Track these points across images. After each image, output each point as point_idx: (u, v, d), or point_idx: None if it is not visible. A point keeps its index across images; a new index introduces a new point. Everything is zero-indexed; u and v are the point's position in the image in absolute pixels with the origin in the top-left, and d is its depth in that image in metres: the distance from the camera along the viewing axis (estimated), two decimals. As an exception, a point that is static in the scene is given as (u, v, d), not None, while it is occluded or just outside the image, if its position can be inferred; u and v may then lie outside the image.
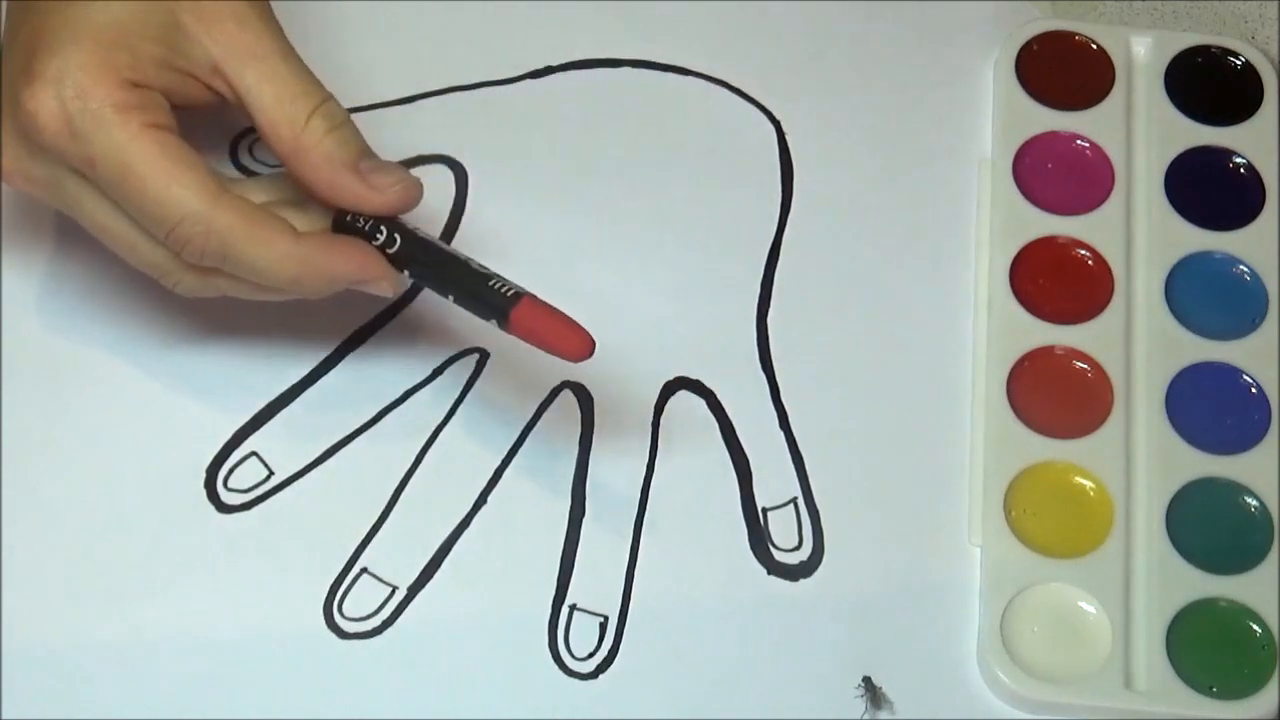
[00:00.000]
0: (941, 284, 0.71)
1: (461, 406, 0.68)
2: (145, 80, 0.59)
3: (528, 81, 0.74)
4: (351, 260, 0.61)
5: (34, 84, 0.58)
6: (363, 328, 0.69)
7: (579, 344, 0.59)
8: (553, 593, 0.65)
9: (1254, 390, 0.68)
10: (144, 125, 0.58)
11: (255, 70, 0.60)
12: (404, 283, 0.62)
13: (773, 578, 0.65)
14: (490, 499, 0.66)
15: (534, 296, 0.60)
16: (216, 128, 0.72)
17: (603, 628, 0.64)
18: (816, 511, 0.66)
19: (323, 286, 0.61)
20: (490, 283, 0.60)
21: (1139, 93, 0.74)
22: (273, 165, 0.71)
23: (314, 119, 0.60)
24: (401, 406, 0.67)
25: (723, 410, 0.68)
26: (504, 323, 0.60)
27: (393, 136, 0.71)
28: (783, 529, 0.66)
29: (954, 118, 0.74)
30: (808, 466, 0.67)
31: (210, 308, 0.68)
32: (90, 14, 0.59)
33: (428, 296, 0.69)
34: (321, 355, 0.68)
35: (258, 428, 0.67)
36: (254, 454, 0.66)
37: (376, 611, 0.64)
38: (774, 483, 0.67)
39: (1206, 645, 0.64)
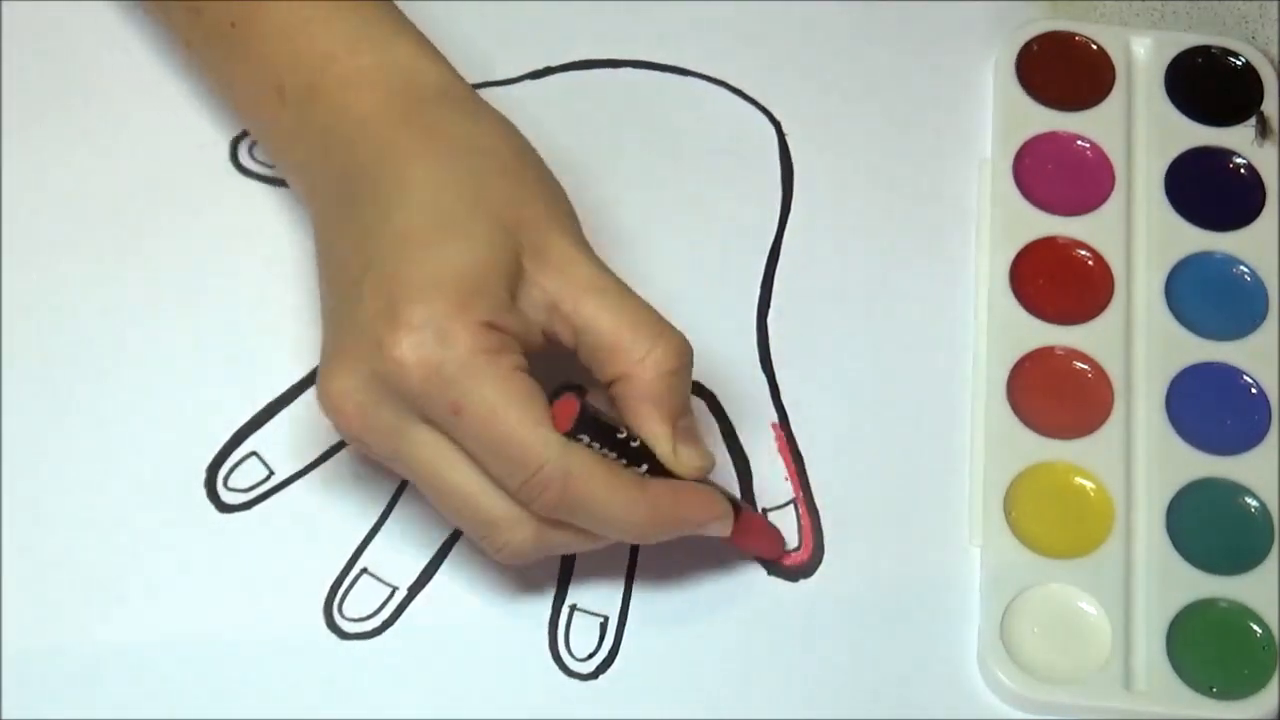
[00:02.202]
0: (941, 284, 0.71)
1: (462, 407, 0.67)
2: (501, 324, 0.58)
3: (527, 82, 0.74)
4: (697, 504, 0.61)
5: (399, 331, 0.57)
6: (363, 328, 0.69)
7: (778, 548, 0.65)
8: (553, 593, 0.65)
9: (1254, 390, 0.68)
10: (512, 369, 0.58)
11: (594, 302, 0.59)
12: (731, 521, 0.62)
13: (773, 578, 0.65)
14: (491, 499, 0.66)
15: (747, 508, 0.64)
16: (217, 128, 0.72)
17: (603, 628, 0.64)
18: (816, 511, 0.66)
19: (668, 533, 0.61)
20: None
21: (1139, 93, 0.74)
22: (272, 165, 0.71)
23: (655, 353, 0.59)
24: (402, 407, 0.67)
25: (723, 411, 0.68)
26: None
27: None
28: (782, 529, 0.66)
29: (954, 118, 0.74)
30: (808, 466, 0.67)
31: (211, 307, 0.68)
32: (450, 259, 0.58)
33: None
34: (322, 355, 0.68)
35: (258, 427, 0.67)
36: (254, 453, 0.66)
37: (376, 612, 0.64)
38: (774, 483, 0.67)
39: (1206, 645, 0.64)
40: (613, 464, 0.59)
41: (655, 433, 0.60)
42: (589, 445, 0.58)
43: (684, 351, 0.60)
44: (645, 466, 0.60)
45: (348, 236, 0.61)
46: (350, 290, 0.59)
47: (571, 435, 0.58)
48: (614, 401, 0.60)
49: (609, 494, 0.58)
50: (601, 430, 0.59)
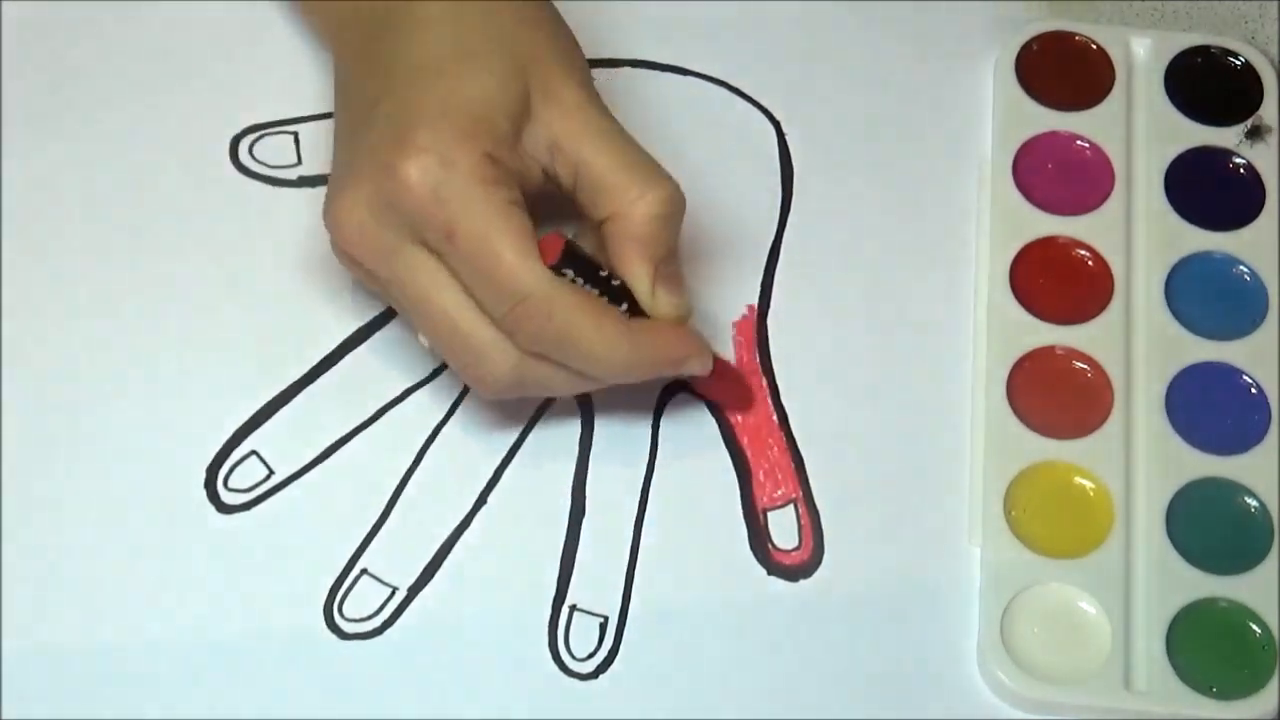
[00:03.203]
0: (941, 284, 0.71)
1: (461, 406, 0.68)
2: (502, 158, 0.60)
3: (528, 81, 0.74)
4: (675, 341, 0.63)
5: (406, 152, 0.59)
6: (363, 327, 0.69)
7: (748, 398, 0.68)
8: (553, 593, 0.65)
9: (1254, 390, 0.68)
10: (507, 200, 0.60)
11: (596, 143, 0.62)
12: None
13: (773, 578, 0.65)
14: (490, 499, 0.66)
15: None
16: (217, 128, 0.72)
17: (603, 628, 0.64)
18: (816, 511, 0.66)
19: (647, 371, 0.63)
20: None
21: (1139, 93, 0.74)
22: (273, 165, 0.71)
23: (648, 196, 0.61)
24: (401, 406, 0.67)
25: (722, 411, 0.68)
26: None
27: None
28: (783, 529, 0.66)
29: (954, 118, 0.74)
30: (808, 466, 0.67)
31: (211, 306, 0.68)
32: (461, 89, 0.61)
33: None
34: (322, 354, 0.68)
35: (258, 426, 0.67)
36: (254, 453, 0.66)
37: (376, 612, 0.64)
38: (774, 483, 0.67)
39: (1206, 645, 0.64)
40: (597, 300, 0.61)
41: (637, 273, 0.62)
42: (572, 279, 0.60)
43: (676, 198, 0.62)
44: (625, 306, 0.62)
45: (367, 69, 0.63)
46: (365, 118, 0.62)
47: (557, 270, 0.60)
48: (604, 241, 0.62)
49: (592, 328, 0.60)
50: (585, 267, 0.61)
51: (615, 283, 0.62)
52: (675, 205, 0.62)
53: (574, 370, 0.62)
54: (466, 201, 0.59)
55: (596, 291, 0.61)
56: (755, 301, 0.69)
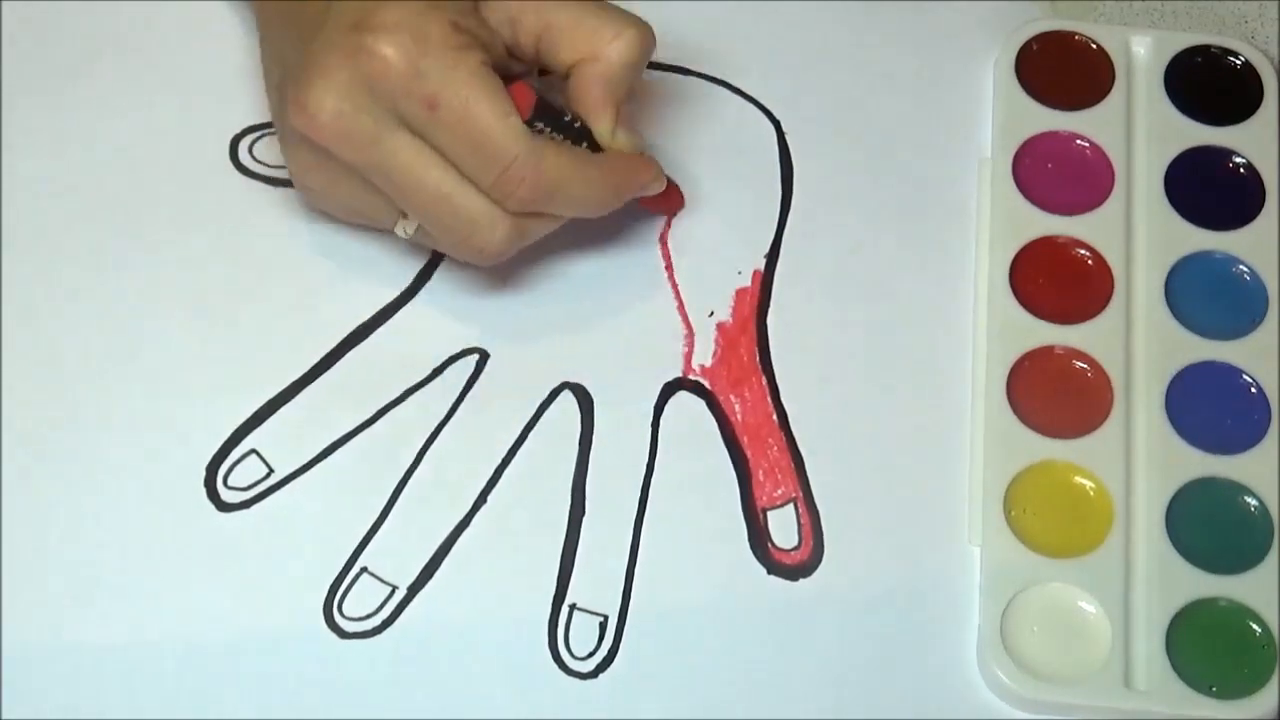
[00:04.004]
0: (941, 284, 0.71)
1: (461, 406, 0.68)
2: (466, 25, 0.61)
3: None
4: (641, 170, 0.66)
5: (377, 31, 0.60)
6: (362, 326, 0.69)
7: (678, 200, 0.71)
8: (553, 593, 0.65)
9: (1254, 390, 0.68)
10: (480, 63, 0.61)
11: (557, 5, 0.63)
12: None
13: (773, 578, 0.65)
14: (490, 499, 0.66)
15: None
16: (217, 128, 0.72)
17: (603, 628, 0.64)
18: (816, 511, 0.66)
19: (620, 202, 0.65)
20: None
21: (1139, 93, 0.74)
22: (273, 164, 0.71)
23: (624, 37, 0.63)
24: (401, 406, 0.67)
25: (722, 411, 0.68)
26: None
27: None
28: (783, 529, 0.66)
29: (954, 118, 0.74)
30: (808, 466, 0.67)
31: (210, 306, 0.68)
32: None
33: (427, 296, 0.69)
34: (321, 353, 0.68)
35: (258, 425, 0.67)
36: (254, 451, 0.66)
37: (376, 611, 0.64)
38: (774, 483, 0.67)
39: (1206, 645, 0.64)
40: (574, 149, 0.63)
41: (601, 116, 0.64)
42: (543, 130, 0.62)
43: (647, 40, 0.64)
44: (585, 144, 0.64)
45: None
46: (316, 17, 0.62)
47: (530, 124, 0.61)
48: (571, 85, 0.64)
49: (574, 176, 0.62)
50: (553, 114, 0.63)
51: (577, 125, 0.64)
52: (646, 47, 0.64)
53: (560, 215, 0.64)
54: (445, 71, 0.60)
55: (561, 136, 0.63)
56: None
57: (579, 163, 0.63)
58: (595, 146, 0.65)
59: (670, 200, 0.70)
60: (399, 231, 0.65)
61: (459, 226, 0.63)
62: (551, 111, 0.63)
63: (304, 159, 0.64)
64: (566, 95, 0.64)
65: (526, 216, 0.63)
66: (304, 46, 0.62)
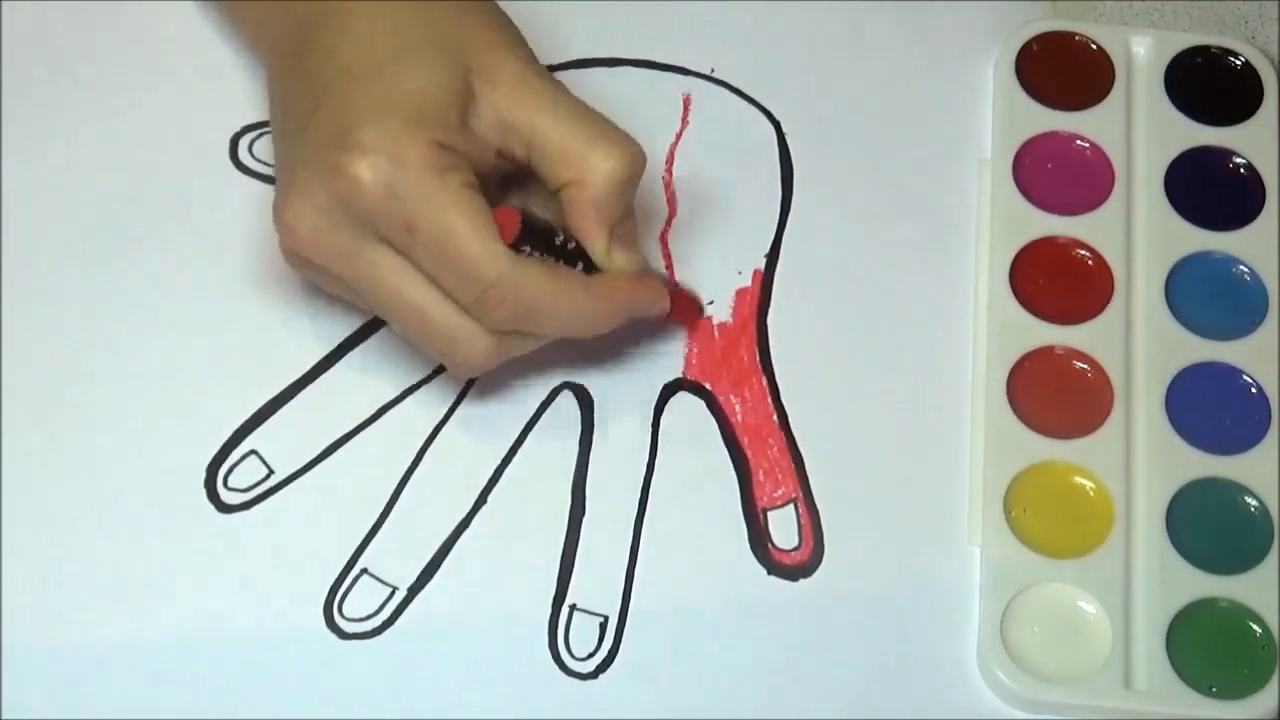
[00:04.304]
0: (941, 284, 0.71)
1: (461, 406, 0.68)
2: (452, 143, 0.60)
3: (528, 81, 0.74)
4: (635, 292, 0.64)
5: (353, 153, 0.59)
6: (363, 327, 0.69)
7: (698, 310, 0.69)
8: (553, 593, 0.65)
9: (1254, 390, 0.68)
10: (461, 185, 0.60)
11: (547, 115, 0.62)
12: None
13: (773, 578, 0.65)
14: (490, 499, 0.66)
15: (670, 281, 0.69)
16: (217, 127, 0.72)
17: (603, 628, 0.64)
18: (816, 511, 0.66)
19: (613, 324, 0.64)
20: None
21: (1139, 93, 0.74)
22: (272, 164, 0.71)
23: (608, 161, 0.62)
24: (401, 406, 0.67)
25: (722, 411, 0.68)
26: None
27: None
28: (783, 529, 0.66)
29: (954, 118, 0.74)
30: (808, 466, 0.67)
31: (210, 306, 0.68)
32: (398, 84, 0.61)
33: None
34: (322, 353, 0.68)
35: (257, 426, 0.67)
36: (254, 452, 0.66)
37: (376, 612, 0.64)
38: (774, 483, 0.67)
39: (1206, 645, 0.64)
40: (557, 268, 0.62)
41: (595, 236, 0.63)
42: (530, 253, 0.61)
43: (637, 161, 0.63)
44: (580, 265, 0.63)
45: (298, 79, 0.63)
46: (302, 127, 0.62)
47: (516, 246, 0.60)
48: (562, 205, 0.63)
49: (557, 299, 0.61)
50: (541, 236, 0.62)
51: (570, 246, 0.63)
52: (635, 169, 0.63)
53: (545, 335, 0.63)
54: (422, 194, 0.59)
55: (553, 257, 0.62)
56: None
57: (564, 285, 0.62)
58: (593, 264, 0.63)
59: (685, 312, 0.69)
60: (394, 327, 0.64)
61: (438, 341, 0.62)
62: (538, 234, 0.62)
63: (291, 259, 0.63)
64: (558, 213, 0.63)
65: (509, 335, 0.62)
66: (291, 148, 0.62)
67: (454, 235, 0.59)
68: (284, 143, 0.64)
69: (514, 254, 0.60)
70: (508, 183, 0.65)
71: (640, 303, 0.65)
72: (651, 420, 0.68)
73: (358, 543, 0.65)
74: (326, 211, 0.60)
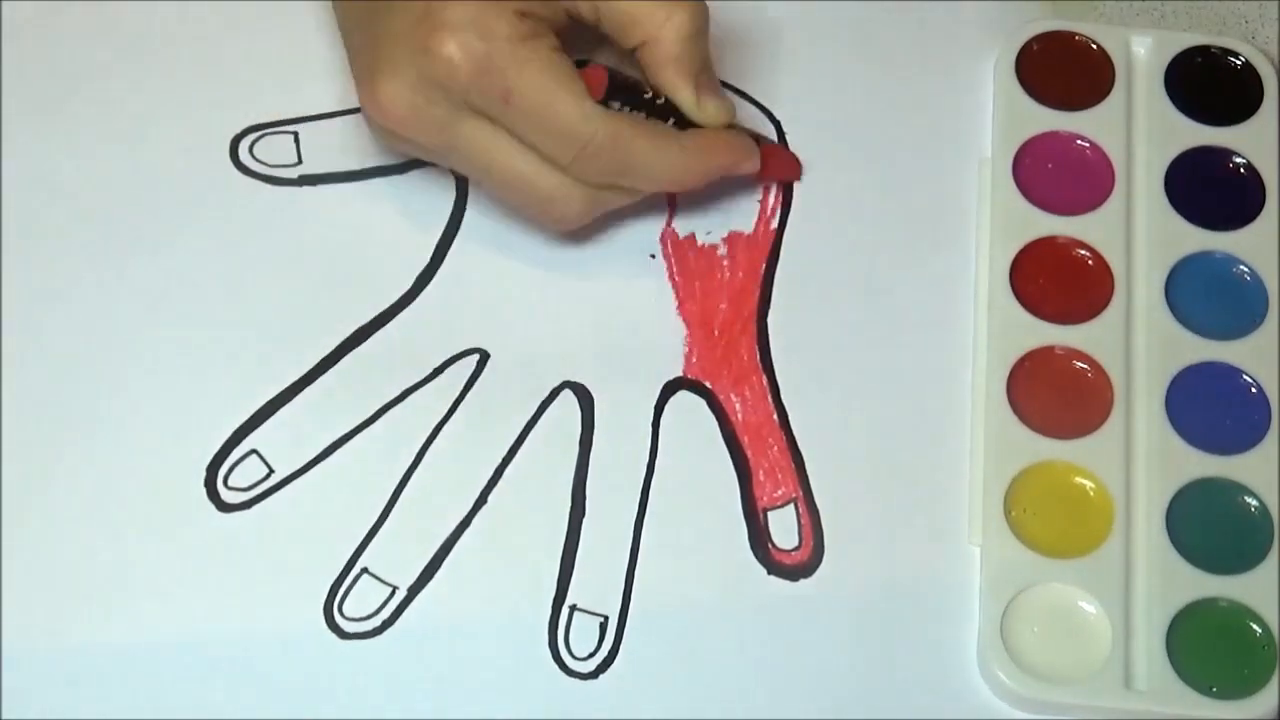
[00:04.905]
0: (941, 284, 0.71)
1: (461, 406, 0.68)
2: (531, 11, 0.62)
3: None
4: (728, 148, 0.67)
5: (441, 32, 0.61)
6: (363, 327, 0.69)
7: (797, 169, 0.72)
8: (553, 593, 0.65)
9: (1254, 390, 0.68)
10: (549, 49, 0.62)
11: None
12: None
13: (773, 578, 0.65)
14: (490, 499, 0.66)
15: (765, 139, 0.71)
16: (217, 128, 0.72)
17: (603, 628, 0.64)
18: (816, 511, 0.66)
19: (705, 179, 0.67)
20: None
21: (1139, 93, 0.74)
22: (273, 164, 0.71)
23: (674, 19, 0.64)
24: (401, 406, 0.67)
25: (723, 410, 0.68)
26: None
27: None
28: (783, 529, 0.66)
29: (954, 118, 0.74)
30: (808, 466, 0.67)
31: (210, 306, 0.68)
32: None
33: (428, 297, 0.69)
34: (322, 353, 0.68)
35: (258, 425, 0.67)
36: (254, 452, 0.66)
37: (376, 611, 0.64)
38: (774, 482, 0.67)
39: (1206, 645, 0.64)
40: (650, 123, 0.65)
41: (680, 89, 0.65)
42: (621, 109, 0.64)
43: (700, 15, 0.65)
44: (672, 120, 0.65)
45: None
46: (382, 8, 0.63)
47: (604, 102, 0.63)
48: (640, 67, 0.65)
49: (652, 152, 0.64)
50: (630, 92, 0.64)
51: (660, 101, 0.65)
52: (701, 21, 0.65)
53: (640, 189, 0.66)
54: (514, 64, 0.61)
55: (644, 113, 0.64)
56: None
57: (655, 138, 0.64)
58: (684, 119, 0.66)
59: (784, 167, 0.71)
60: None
61: (536, 201, 0.65)
62: (627, 88, 0.64)
63: (382, 135, 0.66)
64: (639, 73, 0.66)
65: (605, 188, 0.65)
66: (371, 28, 0.64)
67: (549, 99, 0.62)
68: (362, 23, 0.65)
69: (606, 111, 0.62)
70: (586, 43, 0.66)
71: (731, 158, 0.67)
72: (651, 420, 0.68)
73: (358, 543, 0.65)
74: (420, 89, 0.62)
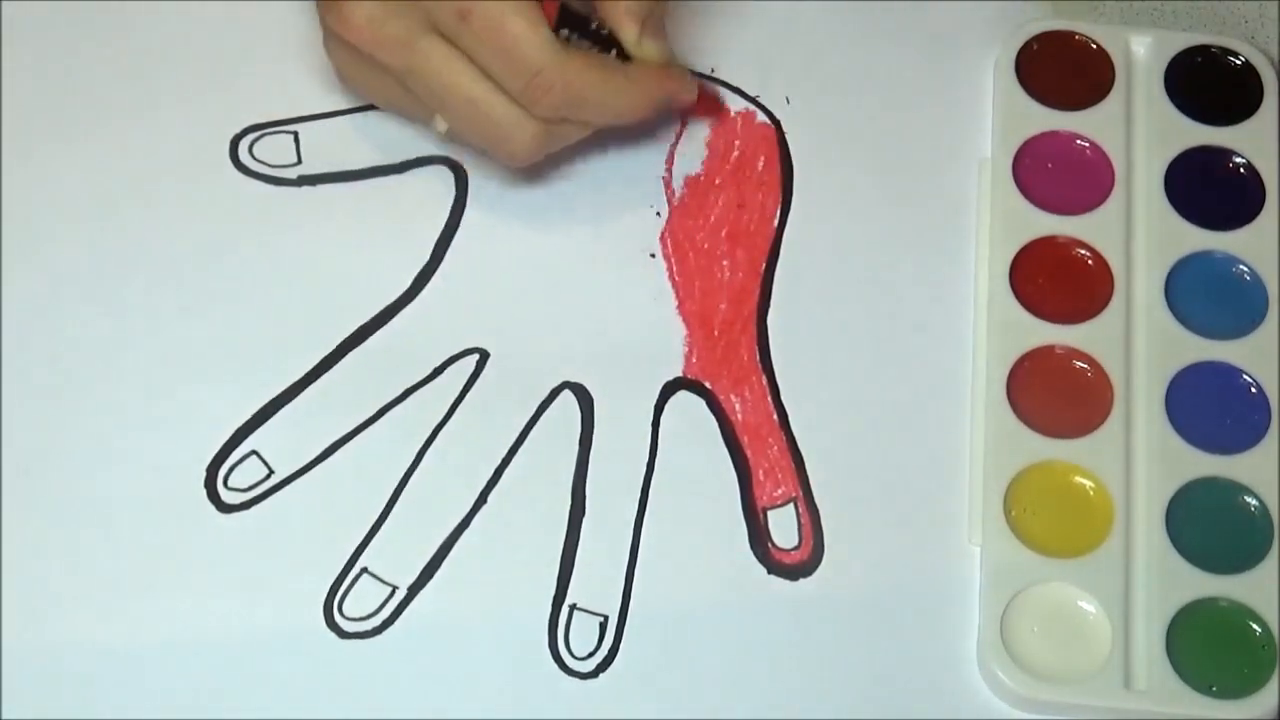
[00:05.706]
0: (941, 284, 0.71)
1: (461, 406, 0.68)
2: None
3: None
4: (669, 81, 0.68)
5: None
6: (363, 327, 0.69)
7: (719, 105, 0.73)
8: (553, 593, 0.65)
9: (1254, 390, 0.68)
10: None
11: None
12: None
13: (773, 578, 0.65)
14: (490, 499, 0.66)
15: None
16: (217, 128, 0.72)
17: (603, 628, 0.64)
18: (816, 511, 0.66)
19: (648, 112, 0.68)
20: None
21: (1139, 93, 0.74)
22: (273, 164, 0.71)
23: None
24: (401, 406, 0.67)
25: (723, 410, 0.68)
26: None
27: (395, 136, 0.71)
28: (783, 529, 0.66)
29: (954, 118, 0.74)
30: (808, 466, 0.67)
31: (210, 306, 0.68)
32: None
33: (428, 297, 0.69)
34: (322, 354, 0.68)
35: (258, 426, 0.67)
36: (254, 453, 0.66)
37: (376, 611, 0.64)
38: (774, 482, 0.67)
39: (1206, 645, 0.64)
40: (600, 57, 0.66)
41: (626, 26, 0.66)
42: (569, 37, 0.65)
43: None
44: (614, 51, 0.67)
45: None
46: None
47: (555, 31, 0.64)
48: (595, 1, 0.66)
49: (601, 85, 0.65)
50: (578, 22, 0.65)
51: (604, 32, 0.66)
52: None
53: (588, 122, 0.66)
54: None
55: (589, 44, 0.66)
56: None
57: (605, 71, 0.65)
58: (626, 55, 0.67)
59: (709, 106, 0.73)
60: (435, 127, 0.67)
61: (488, 129, 0.65)
62: (576, 20, 0.65)
63: (342, 56, 0.66)
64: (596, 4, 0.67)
65: (556, 122, 0.65)
66: None
67: (505, 22, 0.63)
68: None
69: (560, 42, 0.63)
70: None
71: (674, 86, 0.68)
72: (651, 420, 0.68)
73: (358, 542, 0.65)
74: (380, 2, 0.63)
